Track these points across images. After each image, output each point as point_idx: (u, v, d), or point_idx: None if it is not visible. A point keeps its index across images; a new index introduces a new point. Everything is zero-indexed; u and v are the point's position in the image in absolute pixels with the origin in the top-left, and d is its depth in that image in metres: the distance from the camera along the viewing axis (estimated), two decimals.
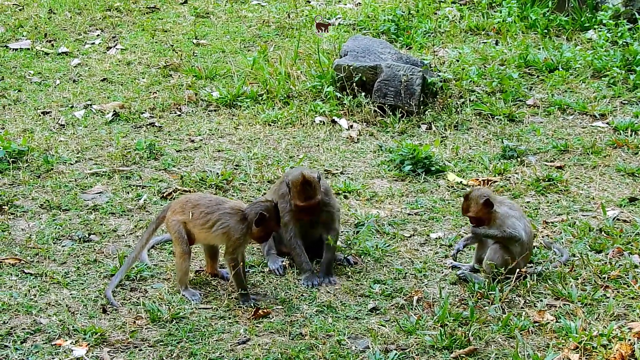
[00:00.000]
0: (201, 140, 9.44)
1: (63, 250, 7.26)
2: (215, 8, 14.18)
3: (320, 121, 9.86)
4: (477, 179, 8.59)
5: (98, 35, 13.00)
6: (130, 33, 13.07)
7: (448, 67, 10.79)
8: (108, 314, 6.39)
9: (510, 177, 8.63)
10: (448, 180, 8.62)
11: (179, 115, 10.12)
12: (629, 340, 5.90)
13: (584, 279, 6.83)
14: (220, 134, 9.61)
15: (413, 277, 6.99)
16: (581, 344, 5.90)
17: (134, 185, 8.39)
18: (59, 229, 7.58)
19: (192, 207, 6.63)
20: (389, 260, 7.26)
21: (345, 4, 14.13)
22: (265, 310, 6.44)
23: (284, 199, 7.05)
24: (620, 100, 10.36)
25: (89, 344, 6.01)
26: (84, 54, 12.22)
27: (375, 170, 8.87)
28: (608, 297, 6.59)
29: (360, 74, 10.04)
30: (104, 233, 7.55)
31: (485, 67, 10.97)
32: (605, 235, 7.57)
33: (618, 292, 6.70)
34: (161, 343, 6.08)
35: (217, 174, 8.53)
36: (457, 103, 10.10)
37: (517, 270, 6.64)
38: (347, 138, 9.54)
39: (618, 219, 7.85)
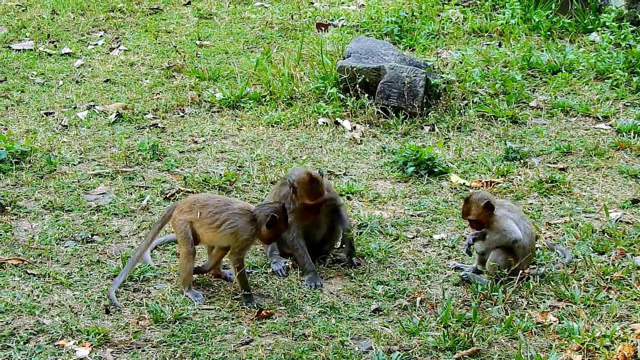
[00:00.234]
0: (204, 141, 9.45)
1: (66, 251, 7.26)
2: (218, 9, 14.19)
3: (323, 122, 9.86)
4: (480, 181, 8.59)
5: (101, 36, 13.01)
6: (134, 34, 13.08)
7: (451, 68, 10.79)
8: (111, 315, 6.40)
9: (513, 179, 8.63)
10: (451, 181, 8.62)
11: (182, 116, 10.13)
12: (632, 341, 5.90)
13: (587, 281, 6.83)
14: (223, 135, 9.62)
15: (416, 278, 6.99)
16: (584, 345, 5.90)
17: (137, 186, 8.40)
18: (61, 229, 7.58)
19: (201, 207, 6.64)
20: (392, 261, 7.26)
21: (349, 6, 14.14)
22: (268, 311, 6.44)
23: (285, 200, 7.05)
24: (623, 103, 10.36)
25: (92, 345, 6.01)
26: (87, 55, 12.23)
27: (378, 171, 8.87)
28: (611, 299, 6.59)
29: (363, 76, 10.04)
30: (107, 234, 7.56)
31: (488, 69, 10.97)
32: (608, 236, 7.57)
33: (621, 293, 6.70)
34: (164, 344, 6.08)
35: (220, 175, 8.54)
36: (460, 105, 10.10)
37: (520, 271, 6.64)
38: (350, 139, 9.54)
39: (621, 221, 7.85)
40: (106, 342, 6.06)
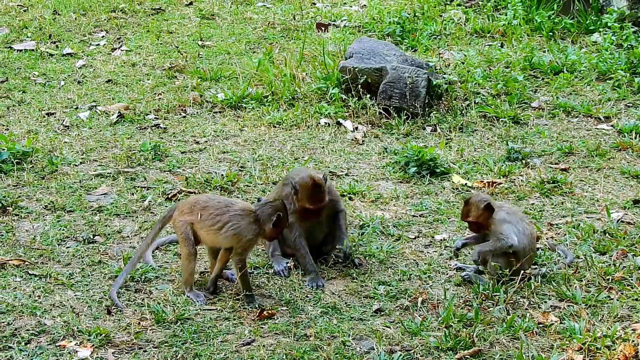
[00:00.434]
0: (206, 141, 9.45)
1: (67, 252, 7.27)
2: (220, 10, 14.19)
3: (326, 123, 9.86)
4: (482, 181, 8.59)
5: (103, 36, 13.01)
6: (135, 34, 13.08)
7: (453, 69, 10.79)
8: (113, 315, 6.40)
9: (515, 180, 8.63)
10: (453, 182, 8.62)
11: (184, 116, 10.13)
12: (633, 341, 5.89)
13: (588, 281, 6.83)
14: (225, 136, 9.62)
15: (418, 279, 6.99)
16: (585, 345, 5.90)
17: (138, 187, 8.40)
18: (63, 230, 7.59)
19: (201, 209, 6.63)
20: (394, 261, 7.26)
21: (351, 6, 14.14)
22: (270, 312, 6.44)
23: (287, 200, 7.05)
24: (625, 103, 10.36)
25: (93, 345, 6.01)
26: (88, 55, 12.23)
27: (380, 172, 8.87)
28: (612, 299, 6.59)
29: (365, 76, 10.04)
30: (109, 234, 7.56)
31: (490, 69, 10.97)
32: (609, 237, 7.57)
33: (622, 293, 6.70)
34: (166, 344, 6.08)
35: (222, 175, 8.54)
36: (462, 105, 10.10)
37: (522, 271, 6.64)
38: (352, 140, 9.54)
39: (622, 221, 7.85)
40: (108, 343, 6.06)
